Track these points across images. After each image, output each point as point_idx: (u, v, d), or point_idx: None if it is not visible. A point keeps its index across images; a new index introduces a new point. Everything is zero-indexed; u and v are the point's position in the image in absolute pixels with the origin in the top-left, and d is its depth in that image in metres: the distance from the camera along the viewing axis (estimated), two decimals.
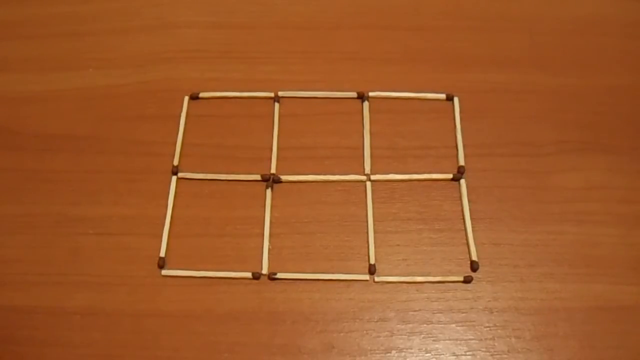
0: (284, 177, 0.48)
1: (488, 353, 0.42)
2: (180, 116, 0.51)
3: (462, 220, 0.47)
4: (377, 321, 0.43)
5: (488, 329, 0.43)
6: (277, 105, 0.51)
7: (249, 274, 0.44)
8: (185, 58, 0.54)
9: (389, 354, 0.42)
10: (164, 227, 0.46)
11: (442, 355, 0.42)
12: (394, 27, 0.56)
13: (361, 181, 0.48)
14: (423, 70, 0.53)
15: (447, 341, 0.42)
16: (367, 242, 0.46)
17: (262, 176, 0.48)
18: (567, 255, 0.45)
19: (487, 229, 0.46)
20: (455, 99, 0.52)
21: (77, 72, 0.54)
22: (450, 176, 0.48)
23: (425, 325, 0.43)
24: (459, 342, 0.42)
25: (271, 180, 0.48)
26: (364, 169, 0.49)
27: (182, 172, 0.48)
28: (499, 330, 0.43)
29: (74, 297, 0.44)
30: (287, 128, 0.51)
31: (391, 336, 0.43)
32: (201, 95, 0.52)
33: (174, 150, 0.49)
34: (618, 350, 0.42)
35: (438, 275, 0.44)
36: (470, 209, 0.47)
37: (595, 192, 0.47)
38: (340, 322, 0.43)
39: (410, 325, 0.43)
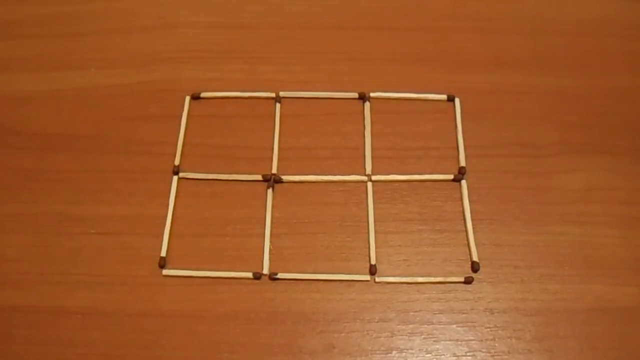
0: (285, 177, 0.48)
1: (489, 354, 0.42)
2: (181, 116, 0.51)
3: (462, 221, 0.47)
4: (377, 321, 0.43)
5: (489, 329, 0.43)
6: (278, 105, 0.51)
7: (249, 274, 0.44)
8: (186, 58, 0.54)
9: (389, 355, 0.42)
10: (165, 227, 0.46)
11: (443, 356, 0.42)
12: (396, 27, 0.56)
13: (362, 181, 0.48)
14: (424, 71, 0.53)
15: (447, 342, 0.42)
16: (368, 242, 0.46)
17: (263, 176, 0.48)
18: (568, 256, 0.45)
19: (488, 230, 0.46)
20: (457, 100, 0.52)
21: (78, 71, 0.54)
22: (451, 177, 0.48)
23: (425, 325, 0.43)
24: (459, 342, 0.42)
25: (272, 181, 0.48)
26: (365, 169, 0.49)
27: (183, 172, 0.48)
28: (499, 331, 0.43)
29: (75, 296, 0.44)
30: (288, 128, 0.51)
31: (392, 337, 0.43)
32: (202, 95, 0.52)
33: (175, 150, 0.49)
34: (619, 351, 0.42)
35: (439, 276, 0.44)
36: (471, 210, 0.47)
37: (596, 193, 0.48)
38: (340, 323, 0.43)
39: (411, 325, 0.43)
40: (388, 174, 0.48)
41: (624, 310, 0.43)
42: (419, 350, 0.42)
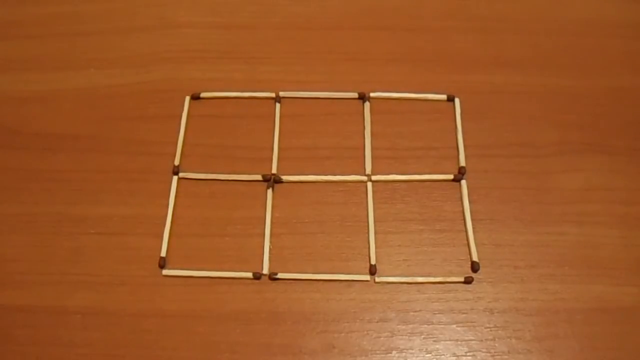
0: (284, 177, 0.48)
1: (488, 354, 0.42)
2: (181, 116, 0.51)
3: (462, 221, 0.47)
4: (377, 321, 0.43)
5: (488, 329, 0.43)
6: (278, 105, 0.51)
7: (249, 274, 0.44)
8: (186, 58, 0.54)
9: (389, 355, 0.42)
10: (165, 227, 0.46)
11: (443, 356, 0.42)
12: (395, 27, 0.56)
13: (362, 181, 0.48)
14: (424, 71, 0.53)
15: (447, 342, 0.42)
16: (368, 242, 0.46)
17: (263, 176, 0.48)
18: (567, 256, 0.45)
19: (488, 230, 0.46)
20: (456, 100, 0.52)
21: (78, 71, 0.54)
22: (451, 177, 0.48)
23: (425, 325, 0.43)
24: (459, 342, 0.42)
25: (272, 181, 0.48)
26: (364, 169, 0.49)
27: (183, 172, 0.48)
28: (499, 331, 0.43)
29: (75, 296, 0.44)
30: (288, 128, 0.51)
31: (392, 336, 0.43)
32: (202, 95, 0.52)
33: (175, 150, 0.49)
34: (618, 351, 0.42)
35: (439, 276, 0.44)
36: (470, 210, 0.47)
37: (596, 193, 0.48)
38: (340, 323, 0.43)
39: (411, 325, 0.43)
40: (388, 174, 0.48)
41: (624, 310, 0.43)
42: (419, 350, 0.42)
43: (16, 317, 0.43)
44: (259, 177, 0.48)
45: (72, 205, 0.47)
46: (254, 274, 0.44)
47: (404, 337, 0.43)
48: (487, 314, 0.43)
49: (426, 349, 0.42)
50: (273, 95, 0.52)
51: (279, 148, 0.49)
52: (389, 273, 0.45)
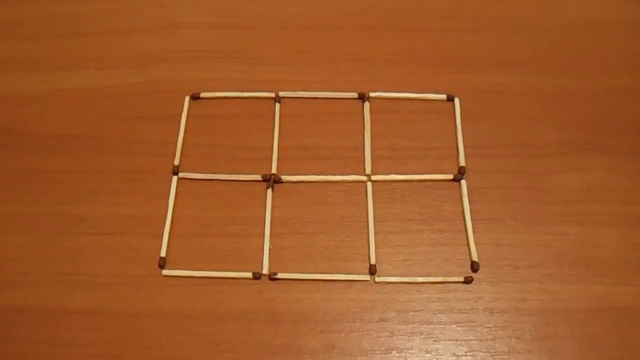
0: (284, 178, 0.48)
1: (488, 354, 0.42)
2: (181, 116, 0.51)
3: (462, 221, 0.47)
4: (377, 321, 0.43)
5: (488, 329, 0.43)
6: (277, 105, 0.51)
7: (249, 274, 0.44)
8: (186, 58, 0.54)
9: (389, 355, 0.42)
10: (165, 227, 0.46)
11: (443, 356, 0.42)
12: (395, 27, 0.56)
13: (362, 181, 0.48)
14: (424, 71, 0.53)
15: (447, 342, 0.42)
16: (368, 242, 0.46)
17: (262, 176, 0.48)
18: (567, 256, 0.45)
19: (488, 230, 0.46)
20: (456, 100, 0.52)
21: (78, 72, 0.54)
22: (451, 177, 0.48)
23: (425, 325, 0.43)
24: (459, 342, 0.42)
25: (272, 181, 0.48)
26: (364, 169, 0.49)
27: (182, 172, 0.48)
28: (499, 331, 0.43)
29: (75, 297, 0.44)
30: (287, 128, 0.51)
31: (392, 336, 0.43)
32: (202, 95, 0.52)
33: (175, 150, 0.49)
34: (618, 351, 0.42)
35: (438, 276, 0.44)
36: (470, 210, 0.47)
37: (596, 193, 0.48)
38: (340, 323, 0.43)
39: (411, 325, 0.43)
40: (388, 174, 0.48)
41: (624, 309, 0.43)
42: (419, 350, 0.42)
43: (16, 317, 0.43)
44: (259, 177, 0.48)
45: (72, 205, 0.47)
46: (253, 274, 0.44)
47: (403, 337, 0.43)
48: (487, 314, 0.43)
49: (426, 349, 0.42)
50: (273, 95, 0.52)
51: (279, 148, 0.49)
52: (388, 273, 0.45)
